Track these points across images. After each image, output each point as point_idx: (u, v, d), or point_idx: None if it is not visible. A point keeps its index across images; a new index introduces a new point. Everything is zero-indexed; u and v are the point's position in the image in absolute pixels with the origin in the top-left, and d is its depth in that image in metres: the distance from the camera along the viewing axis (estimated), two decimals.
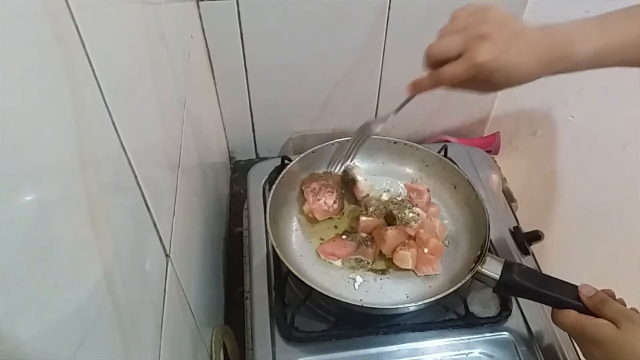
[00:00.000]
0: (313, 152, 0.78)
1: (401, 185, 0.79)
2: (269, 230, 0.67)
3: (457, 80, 0.53)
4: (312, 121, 1.04)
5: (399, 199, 0.75)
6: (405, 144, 0.80)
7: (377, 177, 0.81)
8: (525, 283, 0.60)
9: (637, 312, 0.53)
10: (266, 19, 0.85)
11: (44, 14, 0.29)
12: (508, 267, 0.61)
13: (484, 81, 0.53)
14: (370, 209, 0.74)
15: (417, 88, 0.58)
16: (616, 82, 0.99)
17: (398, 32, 0.89)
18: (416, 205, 0.73)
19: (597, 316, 0.54)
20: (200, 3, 0.81)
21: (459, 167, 0.75)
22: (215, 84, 0.94)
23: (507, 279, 0.61)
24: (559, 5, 0.89)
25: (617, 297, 0.58)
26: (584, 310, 0.55)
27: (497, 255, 0.74)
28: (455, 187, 0.76)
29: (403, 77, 1.00)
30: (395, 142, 0.80)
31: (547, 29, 0.54)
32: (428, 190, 0.75)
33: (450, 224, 0.75)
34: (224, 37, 0.86)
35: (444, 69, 0.53)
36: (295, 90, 0.97)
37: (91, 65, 0.34)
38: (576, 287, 0.58)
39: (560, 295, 0.58)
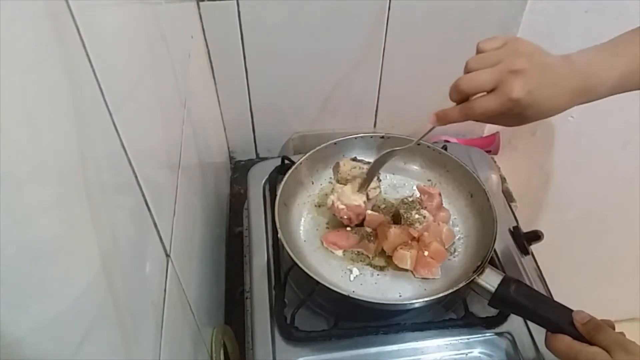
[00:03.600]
0: (335, 143, 0.79)
1: (414, 186, 0.79)
2: (276, 212, 0.68)
3: (490, 113, 0.52)
4: (312, 121, 1.04)
5: (410, 199, 0.74)
6: (428, 146, 0.80)
7: (396, 175, 0.82)
8: (520, 300, 0.59)
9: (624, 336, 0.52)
10: (266, 19, 0.85)
11: (44, 14, 0.29)
12: (506, 281, 0.61)
13: (515, 116, 0.52)
14: (382, 206, 0.75)
15: (442, 119, 0.56)
16: None
17: (398, 32, 0.89)
18: (425, 208, 0.72)
19: (591, 344, 0.53)
20: (201, 3, 0.81)
21: (478, 177, 0.75)
22: (215, 84, 0.94)
23: (502, 293, 0.60)
24: (559, 5, 0.89)
25: (616, 297, 0.58)
26: (578, 336, 0.54)
27: (497, 257, 0.74)
28: (472, 196, 0.76)
29: (403, 77, 1.01)
30: (418, 144, 0.80)
31: (568, 60, 0.53)
32: (440, 195, 0.75)
33: (461, 232, 0.74)
34: (224, 38, 0.87)
35: (476, 102, 0.53)
36: (295, 90, 0.97)
37: (91, 65, 0.34)
38: (571, 311, 0.57)
39: (554, 319, 0.57)
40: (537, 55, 0.52)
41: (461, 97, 0.54)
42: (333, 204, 0.72)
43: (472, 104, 0.53)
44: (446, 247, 0.70)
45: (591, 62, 0.53)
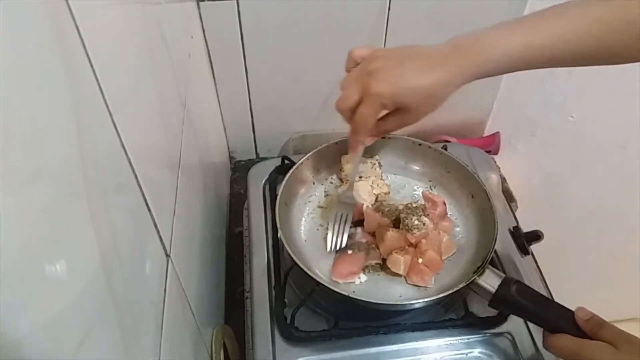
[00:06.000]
0: (336, 143, 0.79)
1: (418, 191, 0.79)
2: (276, 211, 0.68)
3: (370, 119, 0.52)
4: (312, 121, 1.04)
5: (415, 205, 0.73)
6: (429, 147, 0.80)
7: (397, 176, 0.81)
8: (520, 301, 0.59)
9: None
10: (266, 19, 0.85)
11: (44, 14, 0.29)
12: (506, 282, 0.61)
13: (402, 110, 0.51)
14: (386, 209, 0.74)
15: (352, 146, 0.58)
16: (616, 82, 0.99)
17: (398, 32, 0.89)
18: (427, 215, 0.71)
19: (593, 340, 0.53)
20: (201, 3, 0.81)
21: (478, 177, 0.74)
22: (215, 84, 0.94)
23: (502, 294, 0.60)
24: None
25: (616, 297, 0.58)
26: (579, 336, 0.54)
27: (498, 257, 0.74)
28: (472, 196, 0.75)
29: None
30: (420, 144, 0.80)
31: (453, 38, 0.51)
32: (444, 203, 0.74)
33: (461, 232, 0.74)
34: (224, 38, 0.87)
35: (355, 115, 0.53)
36: (295, 90, 0.97)
37: (91, 65, 0.34)
38: (572, 312, 0.57)
39: (555, 320, 0.57)
40: (400, 51, 0.51)
41: (346, 117, 0.55)
42: None
43: (353, 117, 0.53)
44: (444, 258, 0.69)
45: (479, 34, 0.50)
